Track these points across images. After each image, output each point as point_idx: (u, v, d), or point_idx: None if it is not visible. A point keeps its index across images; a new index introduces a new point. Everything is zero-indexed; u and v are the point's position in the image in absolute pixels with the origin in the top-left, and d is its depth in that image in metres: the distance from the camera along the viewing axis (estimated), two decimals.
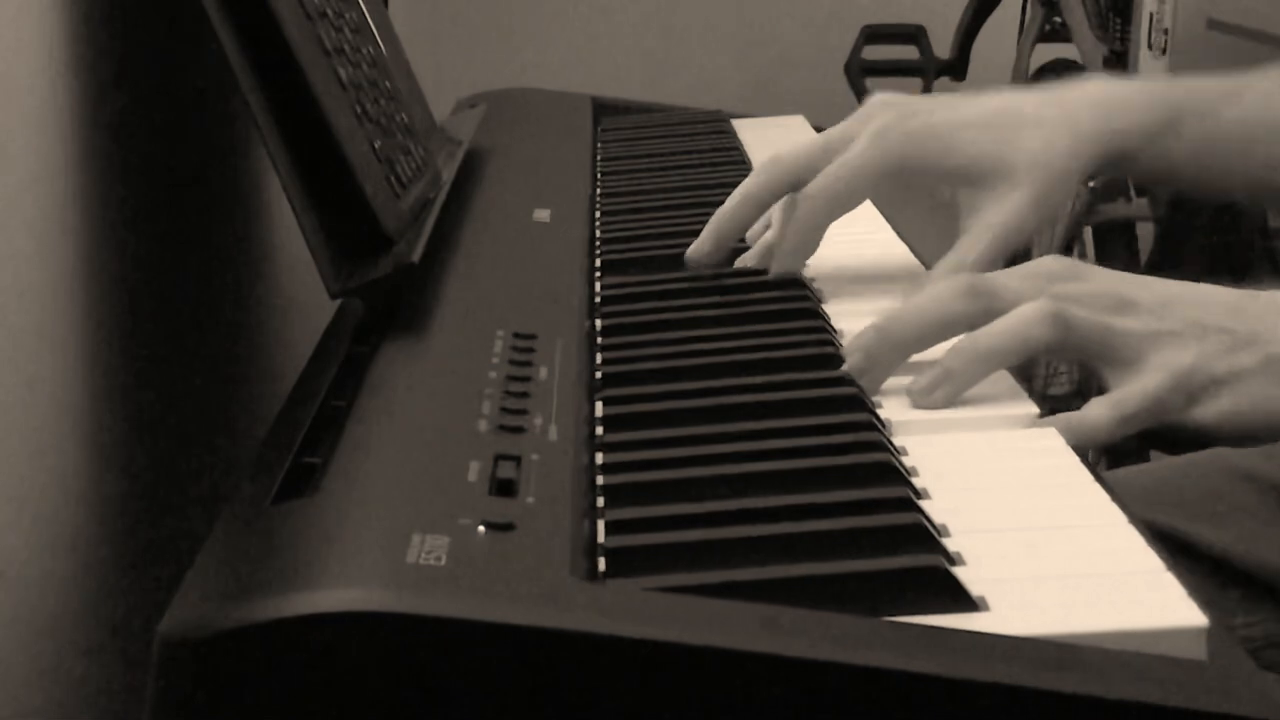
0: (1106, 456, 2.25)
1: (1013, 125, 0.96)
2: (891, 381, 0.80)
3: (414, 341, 0.80)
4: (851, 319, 0.87)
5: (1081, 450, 0.73)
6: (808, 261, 0.98)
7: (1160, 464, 1.13)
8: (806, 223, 0.95)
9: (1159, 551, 0.61)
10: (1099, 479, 0.68)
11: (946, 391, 0.78)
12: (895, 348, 0.80)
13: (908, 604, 0.57)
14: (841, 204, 0.95)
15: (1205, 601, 0.57)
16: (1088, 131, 0.96)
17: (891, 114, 0.95)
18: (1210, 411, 0.80)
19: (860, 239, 1.06)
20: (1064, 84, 1.01)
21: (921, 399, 0.78)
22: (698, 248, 0.98)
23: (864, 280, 0.99)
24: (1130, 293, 0.81)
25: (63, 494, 0.86)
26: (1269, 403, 0.81)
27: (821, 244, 1.03)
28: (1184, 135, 0.98)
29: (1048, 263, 0.84)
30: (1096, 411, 0.78)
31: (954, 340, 0.80)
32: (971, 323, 0.79)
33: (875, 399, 0.78)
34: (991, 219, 0.94)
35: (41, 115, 0.89)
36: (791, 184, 0.96)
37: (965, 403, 0.79)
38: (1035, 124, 0.96)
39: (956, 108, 0.97)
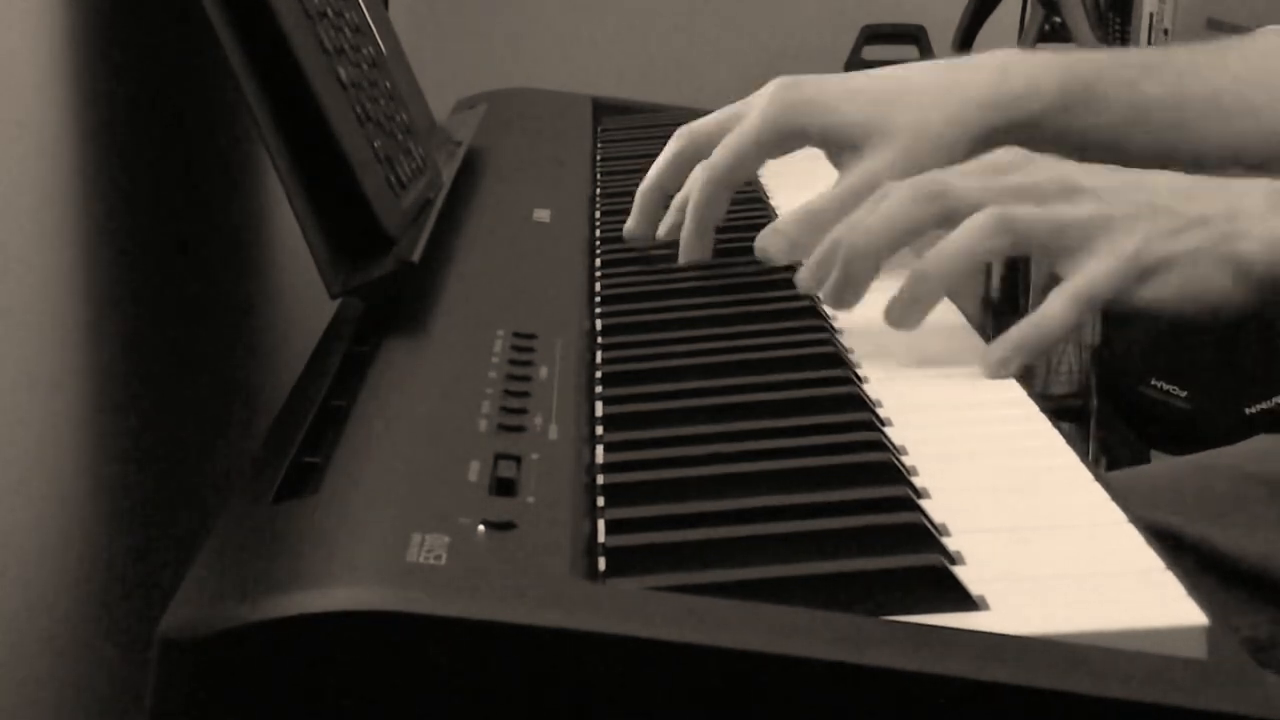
0: (1106, 457, 2.26)
1: (896, 93, 0.99)
2: (879, 374, 0.81)
3: (414, 341, 0.80)
4: (852, 318, 0.87)
5: (1080, 448, 0.73)
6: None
7: (1162, 464, 1.13)
8: (702, 196, 0.98)
9: (1160, 551, 0.61)
10: (1098, 478, 0.68)
11: (917, 314, 0.84)
12: (866, 257, 0.85)
13: (908, 603, 0.57)
14: (734, 174, 0.99)
15: (1207, 601, 0.57)
16: (977, 97, 0.97)
17: (781, 87, 1.00)
18: (1157, 290, 0.84)
19: None
20: (972, 55, 1.02)
21: (897, 323, 0.84)
22: (630, 226, 1.03)
23: None
24: (1079, 179, 0.85)
25: (63, 494, 0.86)
26: (1213, 283, 0.84)
27: None
28: (1102, 109, 0.98)
29: (998, 154, 0.89)
30: (1055, 304, 0.83)
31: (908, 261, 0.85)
32: (931, 225, 0.84)
33: (870, 392, 0.78)
34: (848, 175, 0.97)
35: (42, 115, 0.89)
36: (697, 153, 1.01)
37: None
38: (919, 92, 0.98)
39: (848, 80, 1.00)
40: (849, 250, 0.84)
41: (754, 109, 1.00)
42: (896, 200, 0.84)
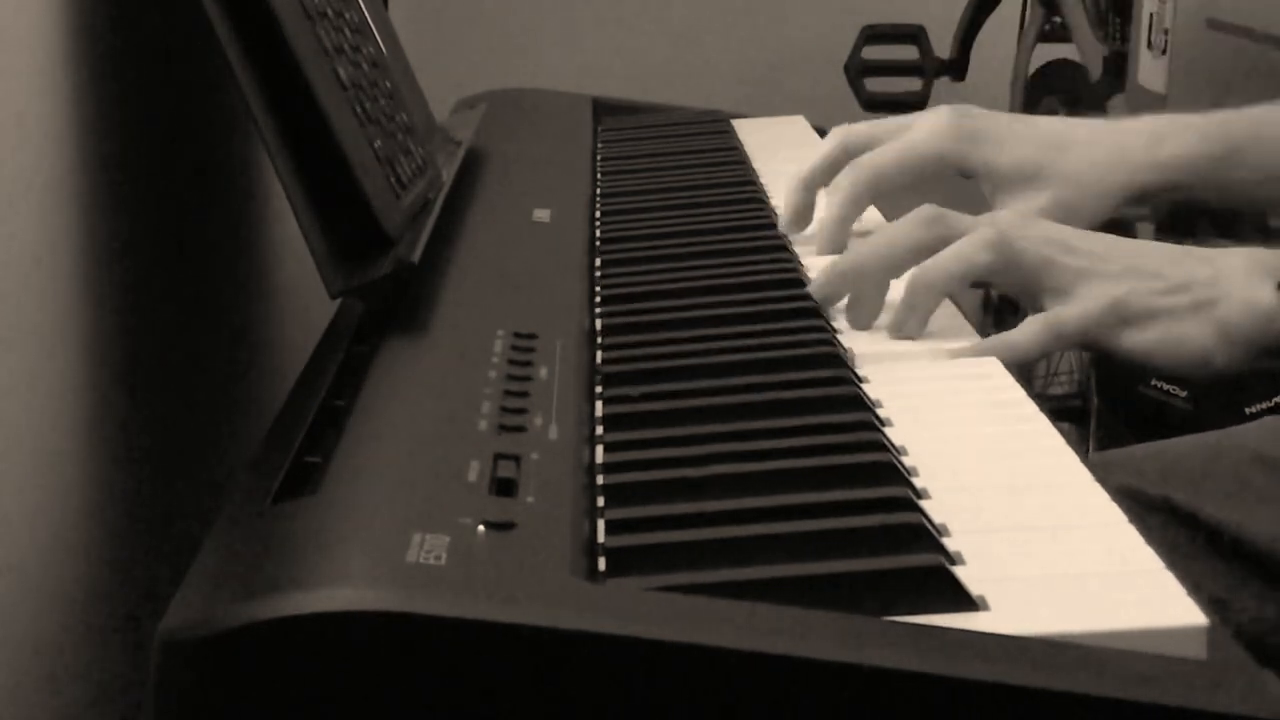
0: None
1: (1060, 144, 1.06)
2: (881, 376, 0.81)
3: (414, 341, 0.80)
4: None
5: (1080, 448, 0.73)
6: (806, 262, 0.99)
7: (1174, 441, 1.13)
8: (852, 191, 1.04)
9: (1168, 525, 0.61)
10: (1099, 460, 0.68)
11: (916, 320, 0.88)
12: (874, 278, 0.90)
13: (908, 603, 0.57)
14: (888, 179, 1.04)
15: (1215, 580, 0.57)
16: (1134, 162, 1.05)
17: (956, 113, 1.06)
18: (1141, 339, 0.89)
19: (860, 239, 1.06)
20: (1122, 118, 1.09)
21: (897, 333, 0.88)
22: (786, 221, 1.08)
23: None
24: (1075, 241, 0.91)
25: (63, 494, 0.86)
26: (1194, 340, 0.90)
27: None
28: (1245, 164, 1.04)
29: (1005, 213, 0.97)
30: (1030, 328, 0.88)
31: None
32: (931, 248, 0.89)
33: (870, 392, 0.78)
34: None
35: (41, 115, 0.89)
36: (851, 156, 1.06)
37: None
38: (1083, 144, 1.05)
39: (1016, 121, 1.07)
40: (858, 273, 0.90)
41: (923, 127, 1.05)
42: (901, 224, 0.91)
